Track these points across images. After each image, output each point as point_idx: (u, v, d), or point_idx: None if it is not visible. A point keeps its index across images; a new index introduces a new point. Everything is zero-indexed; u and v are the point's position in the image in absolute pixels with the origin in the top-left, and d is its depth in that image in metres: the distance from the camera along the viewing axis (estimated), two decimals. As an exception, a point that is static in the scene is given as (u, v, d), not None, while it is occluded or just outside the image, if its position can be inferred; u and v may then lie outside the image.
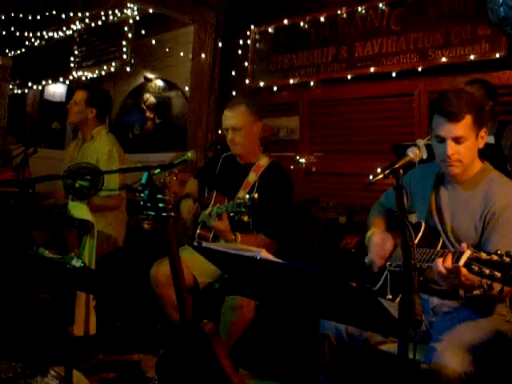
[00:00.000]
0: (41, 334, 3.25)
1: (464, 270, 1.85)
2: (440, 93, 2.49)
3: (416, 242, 2.17)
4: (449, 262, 1.92)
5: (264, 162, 3.37)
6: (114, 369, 3.39)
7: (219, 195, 3.35)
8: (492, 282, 1.73)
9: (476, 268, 1.76)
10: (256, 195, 2.82)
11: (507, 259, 1.69)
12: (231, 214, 2.97)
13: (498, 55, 3.89)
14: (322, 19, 4.96)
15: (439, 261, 1.97)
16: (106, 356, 3.51)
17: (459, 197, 2.34)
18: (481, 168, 2.35)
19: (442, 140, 2.24)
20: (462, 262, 1.83)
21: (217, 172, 3.54)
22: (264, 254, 1.77)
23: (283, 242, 3.32)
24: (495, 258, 1.72)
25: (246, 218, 2.93)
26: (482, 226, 2.23)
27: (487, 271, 1.72)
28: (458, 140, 2.21)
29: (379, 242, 2.47)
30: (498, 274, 1.69)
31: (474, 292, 1.92)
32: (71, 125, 4.17)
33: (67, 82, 7.73)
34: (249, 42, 5.58)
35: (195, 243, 1.97)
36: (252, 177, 3.33)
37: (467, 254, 1.83)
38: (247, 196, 2.85)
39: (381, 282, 2.37)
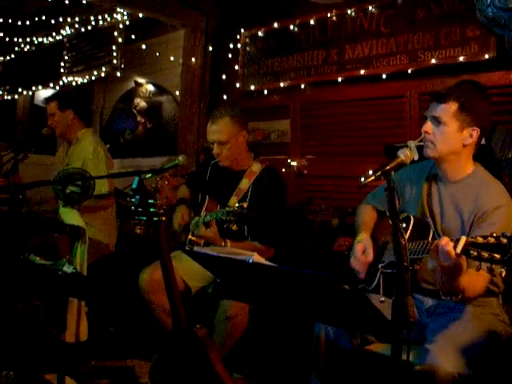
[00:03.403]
0: (32, 341, 3.23)
1: (462, 258, 1.83)
2: (431, 94, 2.52)
3: (407, 236, 2.18)
4: (451, 248, 1.86)
5: (256, 168, 3.33)
6: (107, 375, 3.37)
7: (211, 202, 3.33)
8: (492, 265, 1.72)
9: (474, 253, 1.75)
10: (245, 204, 2.80)
11: (505, 240, 1.68)
12: (221, 222, 2.94)
13: (487, 56, 3.90)
14: (312, 22, 4.96)
15: (433, 249, 1.94)
16: (100, 362, 3.49)
17: (450, 196, 2.35)
18: (473, 170, 2.36)
19: (425, 118, 2.34)
20: (459, 248, 1.81)
21: (207, 178, 3.51)
22: (256, 258, 1.77)
23: (280, 249, 3.29)
24: (492, 240, 1.71)
25: (234, 227, 2.90)
26: (470, 225, 2.24)
27: (486, 254, 1.71)
28: (436, 120, 2.28)
29: (359, 251, 2.47)
30: (498, 256, 1.69)
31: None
32: (61, 136, 4.16)
33: (57, 88, 7.69)
34: (239, 45, 5.58)
35: (187, 248, 1.97)
36: (245, 183, 3.29)
37: (463, 240, 1.81)
38: (237, 205, 2.84)
39: (376, 281, 2.37)
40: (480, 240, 1.75)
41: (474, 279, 2.05)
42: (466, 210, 2.27)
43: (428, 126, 2.31)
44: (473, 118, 2.27)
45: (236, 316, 2.94)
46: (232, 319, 2.94)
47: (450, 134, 2.27)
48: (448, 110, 2.26)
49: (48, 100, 4.10)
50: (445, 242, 1.86)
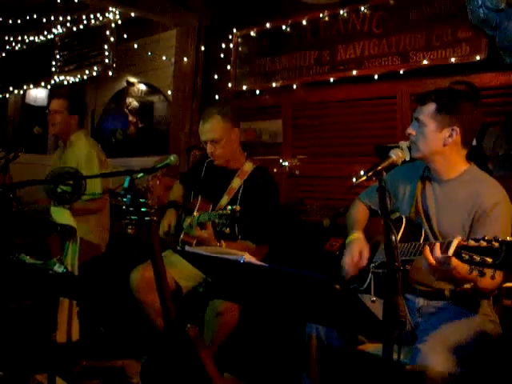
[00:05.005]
0: (23, 341, 3.21)
1: (454, 260, 1.83)
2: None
3: (399, 237, 2.18)
4: (438, 252, 1.91)
5: (248, 167, 3.32)
6: (98, 375, 3.36)
7: (203, 202, 3.32)
8: (483, 268, 1.71)
9: (466, 256, 1.75)
10: (238, 207, 2.79)
11: (496, 244, 1.67)
12: (214, 225, 2.92)
13: (478, 57, 3.92)
14: (304, 22, 4.98)
15: (427, 252, 1.95)
16: (90, 362, 3.48)
17: (445, 195, 2.35)
18: (467, 168, 2.37)
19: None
20: (451, 251, 1.81)
21: (202, 178, 3.50)
22: (247, 258, 1.76)
23: (271, 248, 3.28)
24: (484, 243, 1.71)
25: (227, 230, 2.89)
26: (470, 223, 2.24)
27: (478, 258, 1.71)
28: (418, 121, 2.33)
29: (356, 252, 2.45)
30: (489, 260, 1.68)
31: (465, 286, 1.94)
32: (54, 135, 4.13)
33: (49, 87, 7.67)
34: (231, 45, 5.58)
35: (178, 247, 1.96)
36: (236, 182, 3.28)
37: (456, 242, 1.81)
38: (229, 207, 2.82)
39: (367, 282, 2.37)
40: (472, 243, 1.75)
41: None
42: (465, 208, 2.26)
43: (410, 128, 2.36)
44: (452, 118, 2.28)
45: (226, 312, 2.94)
46: (222, 315, 2.94)
47: (429, 134, 2.30)
48: (426, 111, 2.30)
49: (57, 96, 4.02)
50: (436, 250, 1.91)
